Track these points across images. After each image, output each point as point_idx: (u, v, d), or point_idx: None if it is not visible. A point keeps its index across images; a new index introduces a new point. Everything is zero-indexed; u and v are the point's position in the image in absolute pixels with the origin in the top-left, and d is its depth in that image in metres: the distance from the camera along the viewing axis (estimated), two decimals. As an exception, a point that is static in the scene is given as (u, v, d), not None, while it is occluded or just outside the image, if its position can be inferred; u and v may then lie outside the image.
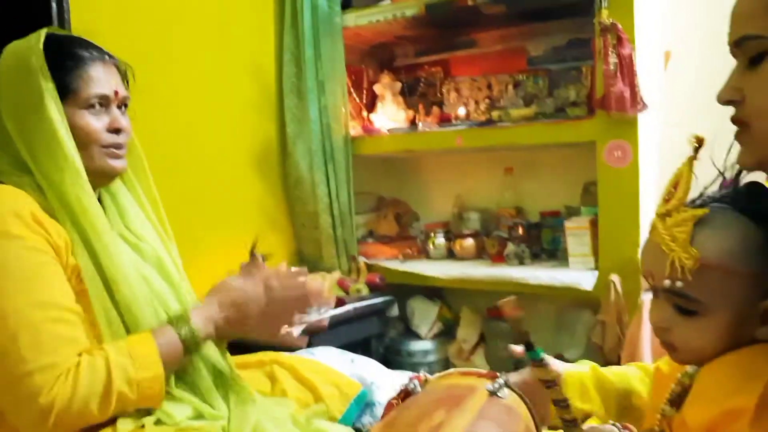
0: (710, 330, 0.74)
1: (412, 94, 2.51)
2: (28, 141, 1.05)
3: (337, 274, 2.22)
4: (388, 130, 2.33)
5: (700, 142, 0.74)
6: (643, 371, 0.97)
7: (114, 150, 1.12)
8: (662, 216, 0.76)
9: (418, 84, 2.51)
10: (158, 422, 1.03)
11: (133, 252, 1.13)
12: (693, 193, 0.78)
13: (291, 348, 1.34)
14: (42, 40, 1.07)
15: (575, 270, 1.94)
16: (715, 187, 0.80)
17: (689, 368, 0.80)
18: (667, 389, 0.82)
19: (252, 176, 2.20)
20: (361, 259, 2.30)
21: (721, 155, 0.78)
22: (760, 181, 0.77)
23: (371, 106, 2.49)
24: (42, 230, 0.99)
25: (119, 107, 1.15)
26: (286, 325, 1.19)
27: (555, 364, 0.98)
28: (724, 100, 0.72)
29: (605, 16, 1.73)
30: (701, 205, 0.75)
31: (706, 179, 0.81)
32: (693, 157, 0.75)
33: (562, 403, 0.84)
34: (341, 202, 2.30)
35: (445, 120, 2.31)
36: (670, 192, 0.77)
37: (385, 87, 2.44)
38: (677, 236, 0.73)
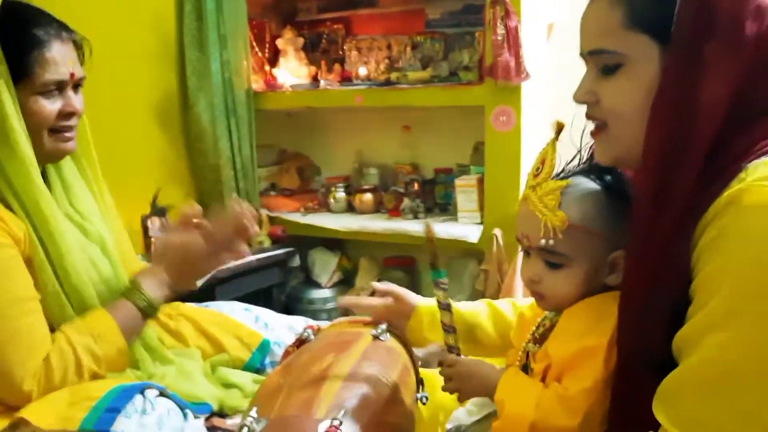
0: (572, 279, 0.89)
1: (314, 50, 2.55)
2: None
3: (239, 227, 2.28)
4: (291, 86, 2.38)
5: (560, 126, 0.89)
6: (492, 310, 1.12)
7: (65, 134, 1.12)
8: (533, 187, 0.89)
9: (320, 40, 2.55)
10: None
11: (79, 233, 1.17)
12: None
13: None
14: None
15: (463, 224, 2.11)
16: (575, 163, 0.95)
17: (548, 313, 0.96)
18: (529, 330, 0.98)
19: (153, 129, 2.19)
20: (264, 212, 2.36)
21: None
22: None
23: (273, 61, 2.51)
24: (3, 224, 1.02)
25: (74, 87, 1.13)
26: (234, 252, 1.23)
27: (415, 298, 1.13)
28: (580, 101, 0.84)
29: (495, -11, 1.85)
30: (564, 178, 0.89)
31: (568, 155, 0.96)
32: (555, 139, 0.89)
33: (449, 329, 0.98)
34: (243, 155, 2.34)
35: (346, 78, 2.38)
36: (538, 168, 0.89)
37: (288, 42, 2.47)
38: (547, 203, 0.86)
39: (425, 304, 1.11)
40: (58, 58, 1.09)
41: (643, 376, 0.75)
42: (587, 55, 0.82)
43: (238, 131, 2.31)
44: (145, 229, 2.11)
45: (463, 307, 1.11)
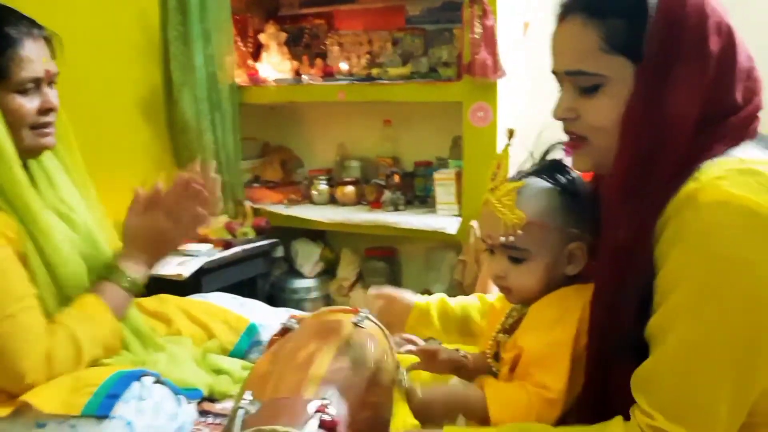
0: (535, 271, 0.96)
1: (296, 45, 2.59)
2: None
3: (224, 218, 2.33)
4: (274, 81, 2.42)
5: (511, 133, 0.96)
6: (483, 303, 1.20)
7: (44, 129, 1.16)
8: (492, 190, 0.96)
9: (302, 35, 2.60)
10: None
11: (66, 226, 1.22)
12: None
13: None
14: None
15: (442, 216, 2.18)
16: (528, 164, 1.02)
17: (517, 305, 1.03)
18: (499, 321, 1.06)
19: (138, 122, 2.23)
20: (248, 204, 2.41)
21: None
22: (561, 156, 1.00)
23: (256, 55, 2.55)
24: None
25: (48, 84, 1.17)
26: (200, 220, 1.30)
27: (410, 297, 1.19)
28: (559, 118, 0.89)
29: (473, -11, 1.91)
30: (519, 179, 0.96)
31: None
32: (508, 145, 0.97)
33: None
34: (228, 148, 2.38)
35: (328, 74, 2.43)
36: (494, 172, 0.96)
37: (271, 37, 2.51)
38: (505, 203, 0.93)
39: (421, 300, 1.18)
40: (33, 56, 1.12)
41: (613, 360, 0.83)
42: (564, 74, 0.87)
43: (223, 125, 2.36)
44: (131, 221, 2.15)
45: (455, 303, 1.18)
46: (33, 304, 1.11)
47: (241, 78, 2.44)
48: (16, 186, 1.11)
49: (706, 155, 0.79)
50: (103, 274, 1.24)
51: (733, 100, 0.81)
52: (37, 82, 1.15)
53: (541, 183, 0.97)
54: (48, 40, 1.19)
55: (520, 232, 0.93)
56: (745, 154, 0.79)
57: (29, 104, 1.14)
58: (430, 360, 1.08)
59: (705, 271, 0.74)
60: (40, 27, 1.16)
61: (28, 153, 1.17)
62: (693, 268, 0.75)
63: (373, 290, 1.24)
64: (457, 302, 1.20)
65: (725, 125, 0.80)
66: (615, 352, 0.84)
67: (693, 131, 0.79)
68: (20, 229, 1.11)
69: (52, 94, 1.18)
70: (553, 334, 0.92)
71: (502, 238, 0.94)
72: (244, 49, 2.52)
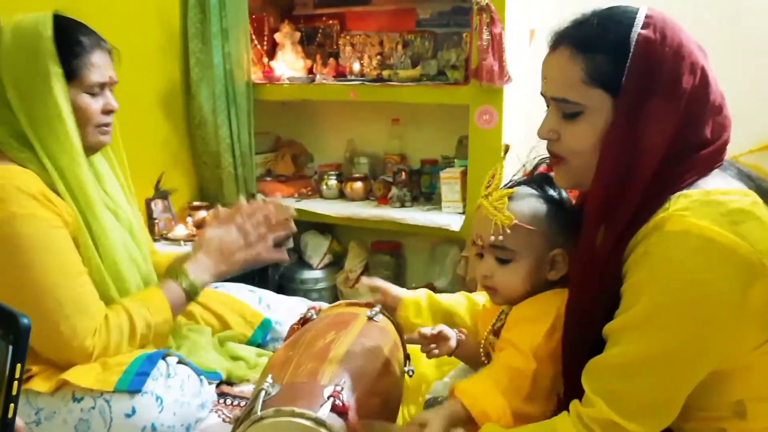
0: (519, 272, 1.05)
1: (310, 44, 2.68)
2: (33, 119, 1.19)
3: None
4: (288, 79, 2.51)
5: (507, 148, 1.06)
6: (469, 302, 1.29)
7: (105, 128, 1.29)
8: (486, 196, 1.05)
9: (316, 34, 2.68)
10: None
11: (113, 217, 1.32)
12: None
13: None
14: (50, 25, 1.19)
15: (447, 213, 2.27)
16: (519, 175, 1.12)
17: (506, 308, 1.12)
18: (490, 322, 1.14)
19: (157, 117, 2.33)
20: (260, 197, 2.49)
21: None
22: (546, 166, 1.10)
23: (271, 53, 2.64)
24: (55, 208, 1.17)
25: (110, 89, 1.30)
26: (267, 246, 1.44)
27: (398, 291, 1.29)
28: (543, 137, 0.99)
29: (481, -2, 1.99)
30: (511, 188, 1.05)
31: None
32: (503, 157, 1.06)
33: None
34: (242, 143, 2.48)
35: (340, 73, 2.51)
36: (489, 181, 1.06)
37: (285, 36, 2.59)
38: (498, 207, 1.02)
39: (409, 295, 1.27)
40: (101, 63, 1.27)
41: (584, 353, 0.93)
42: (550, 99, 0.97)
43: (238, 120, 2.44)
44: (150, 211, 2.25)
45: (444, 299, 1.28)
46: (88, 281, 1.22)
47: (256, 75, 2.53)
48: (81, 178, 1.23)
49: (677, 185, 0.88)
50: (168, 274, 1.35)
51: (703, 136, 0.90)
52: (102, 86, 1.29)
53: (530, 191, 1.06)
54: (110, 52, 1.32)
55: (508, 231, 1.00)
56: (711, 184, 0.88)
57: (95, 105, 1.27)
58: (441, 341, 1.12)
59: (664, 289, 0.84)
60: (105, 41, 1.31)
61: (89, 149, 1.29)
62: (654, 285, 0.85)
63: (365, 279, 1.34)
64: (444, 298, 1.29)
65: (694, 158, 0.89)
66: (584, 346, 0.94)
67: (661, 162, 0.88)
68: (77, 215, 1.22)
69: (113, 100, 1.31)
70: (534, 326, 1.01)
71: (492, 237, 1.02)
72: (259, 47, 2.60)
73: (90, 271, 1.24)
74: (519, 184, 1.09)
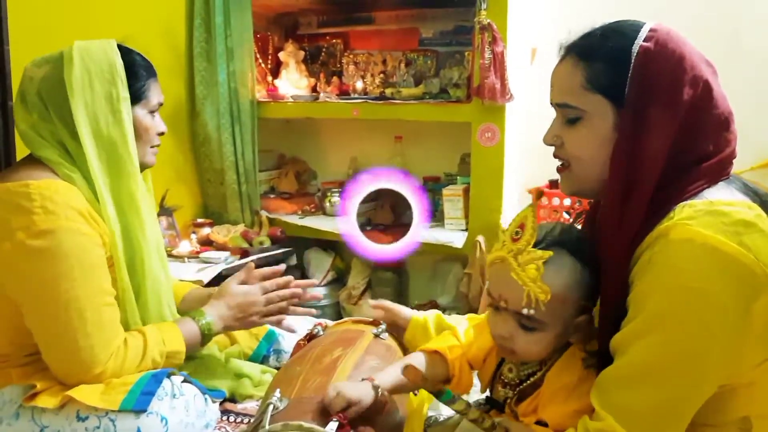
0: (544, 341, 0.96)
1: (314, 63, 2.71)
2: (98, 139, 1.24)
3: (241, 227, 2.44)
4: (292, 97, 2.53)
5: (539, 193, 1.04)
6: (472, 323, 1.28)
7: (155, 149, 1.36)
8: (514, 253, 0.93)
9: (319, 53, 2.71)
10: None
11: (156, 239, 1.36)
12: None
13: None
14: (118, 52, 1.27)
15: (449, 230, 2.28)
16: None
17: (524, 367, 1.01)
18: (489, 369, 1.05)
19: (162, 134, 2.34)
20: (264, 214, 2.52)
21: None
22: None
23: (276, 72, 2.67)
24: (96, 225, 1.20)
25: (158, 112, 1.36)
26: (281, 319, 1.47)
27: (405, 310, 1.28)
28: (548, 143, 1.01)
29: (483, 17, 2.02)
30: (545, 247, 0.92)
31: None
32: (535, 204, 1.01)
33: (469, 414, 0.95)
34: (246, 160, 2.50)
35: (344, 92, 2.54)
36: (517, 231, 0.94)
37: (290, 55, 2.62)
38: (530, 273, 0.90)
39: (417, 316, 1.27)
40: (158, 88, 1.36)
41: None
42: (555, 105, 1.00)
43: (242, 137, 2.47)
44: (154, 228, 2.26)
45: (447, 319, 1.28)
46: (114, 302, 1.24)
47: (260, 93, 2.55)
48: (136, 198, 1.28)
49: (682, 195, 0.90)
50: (187, 313, 1.38)
51: (704, 148, 0.92)
52: (157, 109, 1.36)
53: (564, 254, 0.95)
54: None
55: (542, 308, 0.90)
56: (716, 195, 0.90)
57: (153, 125, 1.35)
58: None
59: (668, 298, 0.84)
60: (155, 70, 1.38)
61: (141, 168, 1.34)
62: (657, 292, 0.85)
63: (371, 301, 1.33)
64: (451, 319, 1.28)
65: (698, 169, 0.91)
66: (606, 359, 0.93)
67: (664, 173, 0.90)
68: (113, 235, 1.25)
69: (161, 121, 1.38)
70: (571, 403, 0.94)
71: (523, 310, 0.92)
72: (264, 66, 2.63)
73: (116, 291, 1.26)
74: (553, 243, 0.95)
